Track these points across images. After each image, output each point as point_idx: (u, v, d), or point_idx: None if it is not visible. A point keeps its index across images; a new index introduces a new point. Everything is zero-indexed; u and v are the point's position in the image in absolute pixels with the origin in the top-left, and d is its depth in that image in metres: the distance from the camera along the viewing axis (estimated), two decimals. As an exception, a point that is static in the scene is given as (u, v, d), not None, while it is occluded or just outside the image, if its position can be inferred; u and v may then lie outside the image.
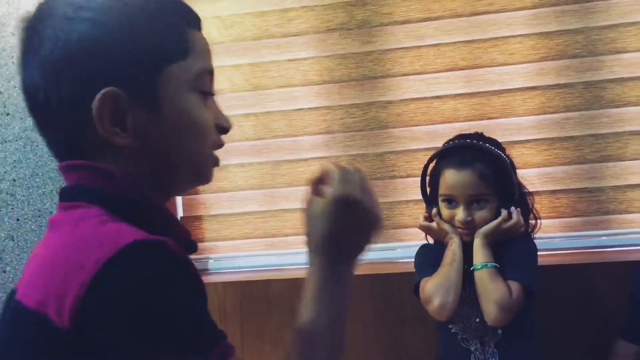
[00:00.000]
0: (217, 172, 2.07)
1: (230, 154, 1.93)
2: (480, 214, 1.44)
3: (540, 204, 1.78)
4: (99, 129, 0.69)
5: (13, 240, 1.93)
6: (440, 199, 1.49)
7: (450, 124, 1.81)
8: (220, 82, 1.90)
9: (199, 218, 1.95)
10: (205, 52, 0.77)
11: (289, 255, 1.91)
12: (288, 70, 1.88)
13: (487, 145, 1.47)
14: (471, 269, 1.42)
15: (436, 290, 1.41)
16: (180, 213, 1.96)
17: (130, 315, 0.60)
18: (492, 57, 1.79)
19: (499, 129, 1.78)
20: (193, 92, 0.74)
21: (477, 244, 1.43)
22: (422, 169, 1.54)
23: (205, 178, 0.81)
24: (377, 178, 1.86)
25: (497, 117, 1.80)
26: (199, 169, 0.79)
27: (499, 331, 1.45)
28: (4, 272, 1.94)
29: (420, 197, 1.80)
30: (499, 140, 1.56)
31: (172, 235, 0.69)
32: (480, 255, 1.42)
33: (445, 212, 1.48)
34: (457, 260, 1.43)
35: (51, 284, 0.62)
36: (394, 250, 1.88)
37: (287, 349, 0.77)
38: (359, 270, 1.90)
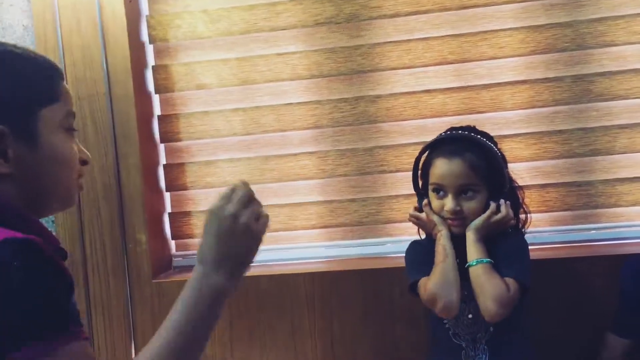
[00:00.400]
0: (205, 168, 2.07)
1: (219, 149, 1.91)
2: (469, 205, 1.43)
3: (529, 198, 1.78)
4: None
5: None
6: (430, 188, 1.48)
7: (439, 118, 1.80)
8: (208, 77, 1.89)
9: (187, 214, 1.93)
10: (69, 96, 0.94)
11: (279, 251, 1.91)
12: (276, 65, 1.86)
13: (479, 137, 1.47)
14: (466, 265, 1.40)
15: (438, 290, 1.38)
16: (168, 209, 1.95)
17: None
18: (481, 50, 1.78)
19: (488, 123, 1.77)
20: (62, 131, 0.91)
21: (470, 239, 1.42)
22: (413, 161, 1.52)
23: (72, 202, 0.96)
24: (367, 173, 1.85)
25: (487, 111, 1.79)
26: (67, 195, 0.94)
27: (491, 328, 1.44)
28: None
29: (410, 191, 1.80)
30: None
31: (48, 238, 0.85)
32: (474, 251, 1.40)
33: (435, 202, 1.46)
34: (449, 255, 1.41)
35: None
36: (383, 245, 1.88)
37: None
38: (349, 265, 1.90)
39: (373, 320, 1.74)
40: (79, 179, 0.96)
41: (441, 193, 1.45)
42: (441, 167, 1.44)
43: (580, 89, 1.74)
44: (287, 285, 1.77)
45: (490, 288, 1.35)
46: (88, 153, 0.98)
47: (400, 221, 1.84)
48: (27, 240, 0.76)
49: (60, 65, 1.80)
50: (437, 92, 1.81)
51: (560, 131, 1.76)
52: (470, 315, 1.45)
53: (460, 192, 1.43)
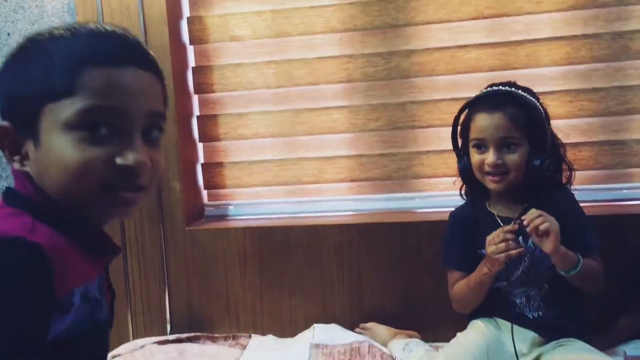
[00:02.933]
0: (238, 120, 2.09)
1: (251, 101, 1.93)
2: (511, 158, 1.40)
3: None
4: (6, 157, 0.78)
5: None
6: (470, 145, 1.46)
7: (473, 74, 1.79)
8: (242, 29, 1.90)
9: (219, 165, 1.97)
10: (101, 89, 0.74)
11: (308, 203, 1.94)
12: (310, 18, 1.86)
13: (520, 92, 1.45)
14: (560, 272, 1.37)
15: (459, 302, 1.52)
16: (201, 159, 1.99)
17: None
18: (518, 5, 1.75)
19: (523, 80, 1.72)
20: (70, 131, 0.73)
21: (553, 254, 1.34)
22: (453, 120, 1.50)
23: (102, 218, 0.82)
24: (397, 128, 1.85)
25: (522, 68, 1.77)
26: (87, 210, 0.78)
27: (545, 285, 1.44)
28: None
29: (440, 147, 1.82)
30: None
31: (84, 236, 0.77)
32: (562, 263, 1.35)
33: (476, 157, 1.44)
34: (483, 287, 1.44)
35: None
36: (412, 200, 1.89)
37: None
38: (377, 218, 1.91)
39: (400, 272, 1.77)
40: (110, 190, 0.76)
41: (482, 148, 1.43)
42: (482, 121, 1.42)
43: (619, 46, 1.70)
44: (316, 235, 1.81)
45: (592, 286, 1.42)
46: (132, 155, 0.75)
47: (430, 176, 1.85)
48: (22, 240, 0.69)
49: (97, 15, 1.82)
50: (472, 47, 1.79)
51: (596, 89, 1.73)
52: (522, 275, 1.45)
53: (501, 146, 1.41)
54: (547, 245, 1.31)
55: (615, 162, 1.74)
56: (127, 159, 0.75)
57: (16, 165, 0.77)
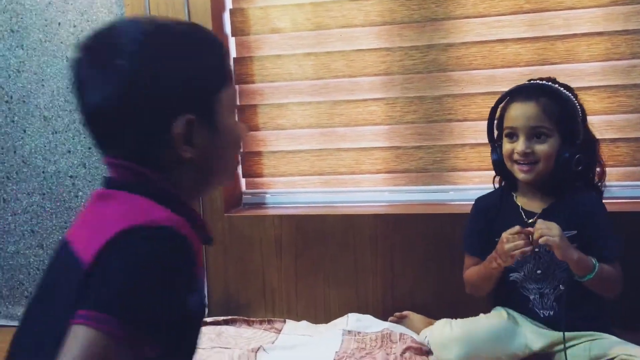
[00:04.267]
0: (277, 110, 2.13)
1: (290, 92, 1.98)
2: (540, 148, 1.42)
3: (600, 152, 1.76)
4: (177, 147, 0.82)
5: (85, 168, 2.06)
6: (504, 134, 1.48)
7: (510, 69, 1.80)
8: (282, 21, 1.94)
9: (258, 154, 2.02)
10: (232, 77, 0.91)
11: (344, 193, 1.98)
12: (350, 11, 1.89)
13: (557, 86, 1.46)
14: (576, 279, 1.38)
15: (471, 286, 1.57)
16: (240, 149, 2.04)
17: (114, 279, 0.73)
18: (558, 0, 1.75)
19: (561, 75, 1.73)
20: (233, 112, 0.92)
21: (569, 259, 1.35)
22: (490, 110, 1.53)
23: (232, 178, 0.97)
24: (434, 121, 1.87)
25: (560, 63, 1.77)
26: (232, 172, 0.99)
27: (561, 286, 1.45)
28: (77, 196, 2.07)
29: (476, 140, 1.83)
30: None
31: (196, 223, 0.84)
32: (577, 268, 1.35)
33: (507, 147, 1.47)
34: (493, 277, 1.48)
35: (91, 237, 0.77)
36: (446, 192, 1.91)
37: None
38: (412, 210, 1.94)
39: (433, 263, 1.80)
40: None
41: (514, 137, 1.45)
42: (515, 110, 1.45)
43: (661, 43, 1.69)
44: (351, 225, 1.84)
45: (609, 290, 1.42)
46: (245, 128, 0.97)
47: (465, 169, 1.87)
48: (170, 229, 0.76)
49: (145, 6, 1.88)
50: (511, 41, 1.80)
51: (635, 85, 1.72)
52: (539, 271, 1.47)
53: (532, 135, 1.43)
54: (557, 254, 1.33)
55: (654, 159, 1.74)
56: (246, 132, 0.97)
57: (188, 155, 0.83)
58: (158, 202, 0.80)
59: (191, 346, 0.88)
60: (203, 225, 0.87)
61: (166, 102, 0.80)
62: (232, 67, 0.93)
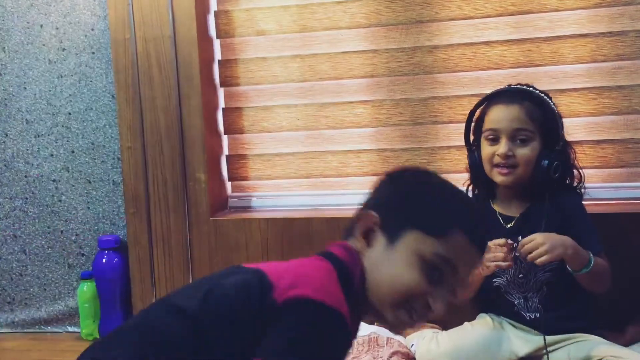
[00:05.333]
0: (262, 113, 2.11)
1: (276, 95, 1.96)
2: (522, 152, 1.42)
3: (584, 154, 1.77)
4: (356, 232, 0.96)
5: (68, 171, 2.03)
6: (483, 137, 1.48)
7: (496, 71, 1.80)
8: (268, 23, 1.93)
9: (243, 157, 2.01)
10: (459, 252, 0.91)
11: (331, 196, 1.97)
12: (335, 13, 1.88)
13: (537, 91, 1.46)
14: (573, 272, 1.39)
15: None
16: (225, 151, 2.03)
17: (289, 338, 0.83)
18: (543, 2, 1.75)
19: (546, 77, 1.77)
20: (419, 260, 0.91)
21: (564, 258, 1.36)
22: (468, 114, 1.53)
23: (383, 322, 0.97)
24: (420, 123, 1.87)
25: (545, 65, 1.77)
26: (379, 315, 0.95)
27: (544, 288, 1.46)
28: (60, 200, 2.05)
29: (461, 143, 1.82)
30: (547, 89, 1.56)
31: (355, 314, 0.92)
32: (574, 264, 1.37)
33: (487, 150, 1.46)
34: (474, 285, 1.46)
35: (290, 282, 0.88)
36: (433, 195, 1.91)
37: None
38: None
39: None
40: (408, 311, 0.93)
41: (495, 140, 1.45)
42: (498, 113, 1.45)
43: (645, 44, 1.70)
44: (338, 228, 1.81)
45: (601, 283, 1.41)
46: (441, 306, 0.93)
47: (452, 172, 1.86)
48: (338, 311, 0.85)
49: (128, 8, 1.87)
50: (496, 43, 1.80)
51: (620, 87, 1.73)
52: (521, 275, 1.47)
53: (514, 138, 1.43)
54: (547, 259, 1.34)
55: (638, 160, 1.74)
56: (436, 308, 0.92)
57: (357, 246, 0.95)
58: (342, 280, 0.90)
59: None
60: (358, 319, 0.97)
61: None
62: (457, 243, 0.92)
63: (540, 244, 1.33)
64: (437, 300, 0.91)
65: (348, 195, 1.95)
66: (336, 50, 1.90)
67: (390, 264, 0.92)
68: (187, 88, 1.89)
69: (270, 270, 0.92)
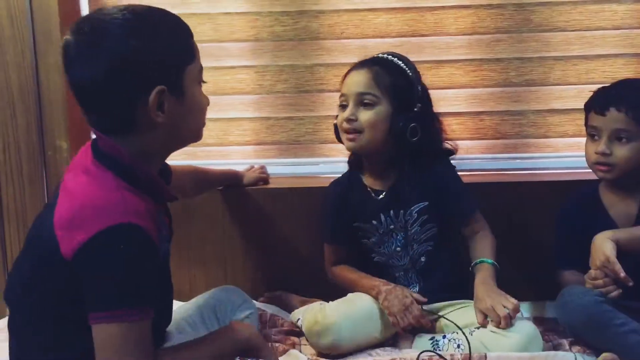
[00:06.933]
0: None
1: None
2: (365, 116, 1.41)
3: (464, 125, 1.81)
4: (151, 114, 1.02)
5: None
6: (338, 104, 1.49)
7: (382, 39, 1.78)
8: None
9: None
10: (198, 55, 1.11)
11: (211, 166, 1.82)
12: (217, -29, 1.76)
13: (393, 58, 1.46)
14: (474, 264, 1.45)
15: (337, 283, 1.54)
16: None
17: (99, 269, 0.98)
18: (429, -28, 1.75)
19: (430, 47, 1.78)
20: (198, 84, 1.11)
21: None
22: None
23: (200, 138, 1.16)
24: (305, 91, 1.81)
25: (429, 35, 1.78)
26: (199, 134, 1.16)
27: (422, 259, 1.49)
28: None
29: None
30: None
31: (155, 191, 1.08)
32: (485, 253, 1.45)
33: (339, 116, 1.47)
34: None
35: (71, 225, 0.99)
36: (316, 165, 1.86)
37: None
38: (282, 183, 1.86)
39: (305, 239, 1.72)
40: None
41: (345, 107, 1.45)
42: (347, 79, 1.46)
43: (522, 18, 1.76)
44: (219, 200, 1.72)
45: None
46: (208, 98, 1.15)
47: (336, 142, 1.82)
48: (133, 226, 0.97)
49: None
50: (382, 11, 1.78)
51: (499, 59, 1.78)
52: (398, 249, 1.49)
53: (359, 103, 1.42)
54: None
55: (515, 132, 1.81)
56: (208, 101, 1.17)
57: (159, 119, 1.03)
58: (125, 178, 1.02)
59: (168, 286, 1.23)
60: (163, 190, 1.10)
61: (143, 77, 1.01)
62: (197, 48, 1.11)
63: (494, 310, 1.30)
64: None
65: (229, 165, 1.84)
66: (217, 11, 1.78)
67: (193, 106, 1.09)
68: (45, 43, 1.68)
69: (56, 218, 1.00)
